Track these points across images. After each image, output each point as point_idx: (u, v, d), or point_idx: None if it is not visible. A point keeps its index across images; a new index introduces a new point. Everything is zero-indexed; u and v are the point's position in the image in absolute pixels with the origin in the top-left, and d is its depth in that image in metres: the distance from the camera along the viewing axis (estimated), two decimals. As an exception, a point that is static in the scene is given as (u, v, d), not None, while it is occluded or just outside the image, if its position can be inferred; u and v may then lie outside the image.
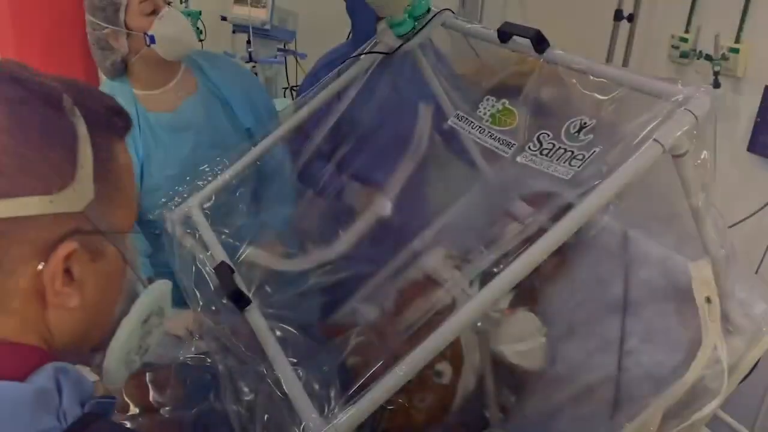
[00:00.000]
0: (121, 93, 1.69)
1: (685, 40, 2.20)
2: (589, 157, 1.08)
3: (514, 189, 1.55)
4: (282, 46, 3.96)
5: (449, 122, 1.37)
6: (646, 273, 1.38)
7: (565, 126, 1.14)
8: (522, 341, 1.41)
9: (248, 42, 3.80)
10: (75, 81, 0.64)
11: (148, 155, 1.70)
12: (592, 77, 1.17)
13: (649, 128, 1.01)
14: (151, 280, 0.75)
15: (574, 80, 1.18)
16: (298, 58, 3.99)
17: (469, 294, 1.35)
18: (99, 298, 0.64)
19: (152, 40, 1.61)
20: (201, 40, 3.95)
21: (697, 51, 2.14)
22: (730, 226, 2.07)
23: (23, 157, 0.55)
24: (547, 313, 1.49)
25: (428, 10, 1.52)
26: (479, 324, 1.47)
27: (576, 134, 1.12)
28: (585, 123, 1.12)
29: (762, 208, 2.03)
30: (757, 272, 2.01)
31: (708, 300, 1.10)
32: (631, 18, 2.30)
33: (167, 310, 0.75)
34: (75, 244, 0.59)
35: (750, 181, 2.11)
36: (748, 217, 2.05)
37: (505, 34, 1.32)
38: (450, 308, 1.36)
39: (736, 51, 2.04)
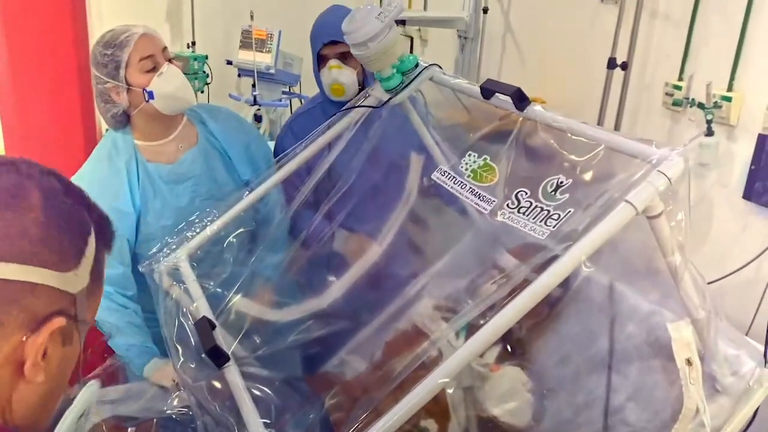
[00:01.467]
0: (123, 143, 1.73)
1: (678, 87, 2.21)
2: (564, 217, 1.08)
3: (501, 241, 1.55)
4: (287, 89, 4.03)
5: (432, 177, 1.39)
6: (632, 328, 1.36)
7: (543, 184, 1.15)
8: (509, 397, 1.39)
9: (253, 85, 3.87)
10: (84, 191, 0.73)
11: (146, 204, 1.72)
12: (570, 135, 1.18)
13: (622, 189, 1.01)
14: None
15: (552, 139, 1.20)
16: (302, 101, 4.05)
17: (455, 346, 1.35)
18: (57, 381, 0.68)
19: (151, 96, 1.65)
20: (207, 83, 4.04)
21: (690, 99, 2.15)
22: (727, 275, 2.05)
23: (48, 234, 0.64)
24: (535, 368, 1.48)
25: (416, 65, 1.55)
26: (466, 379, 1.46)
27: (553, 193, 1.13)
28: (562, 182, 1.13)
29: (759, 255, 2.01)
30: (753, 320, 1.98)
31: (689, 362, 1.08)
32: (624, 66, 2.32)
33: (92, 410, 0.78)
34: (64, 320, 0.65)
35: (746, 228, 2.09)
36: (745, 266, 2.03)
37: (487, 90, 1.34)
38: (436, 361, 1.36)
39: (728, 99, 2.04)
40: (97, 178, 1.69)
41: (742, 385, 1.24)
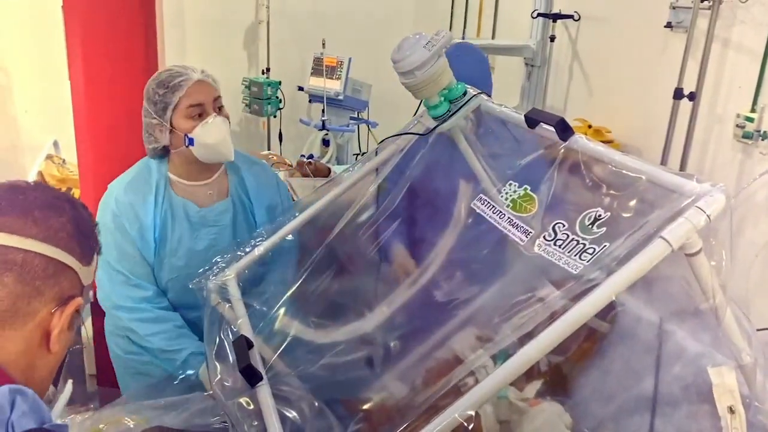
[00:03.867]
0: (157, 172, 1.75)
1: (750, 119, 2.11)
2: (599, 251, 1.05)
3: (546, 272, 1.51)
4: (354, 115, 4.10)
5: (472, 205, 1.38)
6: (679, 370, 1.30)
7: (581, 217, 1.12)
8: (544, 431, 1.35)
9: (323, 111, 3.96)
10: None
11: (163, 235, 1.73)
12: (612, 167, 1.15)
13: (659, 225, 0.98)
14: None
15: (594, 170, 1.17)
16: (370, 127, 4.12)
17: (489, 371, 1.33)
18: (59, 359, 0.83)
19: (191, 142, 1.66)
20: (280, 108, 4.17)
21: (762, 131, 2.05)
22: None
23: (78, 232, 0.84)
24: (576, 405, 1.43)
25: (464, 93, 1.55)
26: (503, 413, 1.43)
27: (590, 226, 1.10)
28: (600, 215, 1.10)
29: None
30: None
31: (731, 410, 1.02)
32: (692, 97, 2.24)
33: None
34: (81, 300, 0.83)
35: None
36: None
37: (532, 120, 1.33)
38: (471, 387, 1.34)
39: (804, 133, 1.94)
40: (128, 201, 1.71)
41: (798, 437, 1.16)
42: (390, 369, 1.68)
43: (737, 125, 2.17)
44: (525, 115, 1.34)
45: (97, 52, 1.91)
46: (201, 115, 1.66)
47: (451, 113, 1.55)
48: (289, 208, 1.91)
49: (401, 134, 1.61)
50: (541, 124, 1.32)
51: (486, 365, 1.38)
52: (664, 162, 2.38)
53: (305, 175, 3.50)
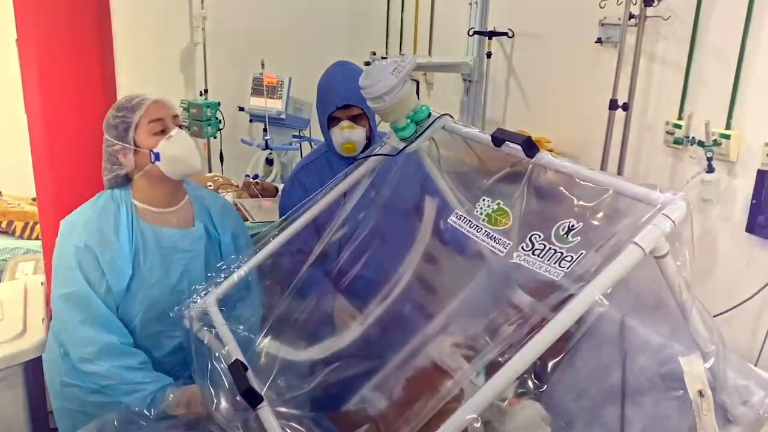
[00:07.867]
0: (124, 198, 1.74)
1: (678, 126, 2.30)
2: (576, 259, 1.15)
3: (514, 279, 1.61)
4: (297, 133, 4.15)
5: (449, 221, 1.46)
6: (644, 361, 1.42)
7: (555, 228, 1.22)
8: (527, 430, 1.44)
9: (264, 130, 3.98)
10: None
11: (135, 265, 1.70)
12: (579, 180, 1.26)
13: (630, 232, 1.09)
14: None
15: (562, 184, 1.27)
16: (312, 144, 4.17)
17: (477, 385, 1.41)
18: None
19: (157, 157, 1.68)
20: (220, 129, 4.16)
21: (690, 137, 2.24)
22: (734, 307, 2.11)
23: None
24: (551, 401, 1.53)
25: (429, 115, 1.64)
26: (486, 414, 1.51)
27: (565, 236, 1.20)
28: (573, 226, 1.20)
29: (763, 287, 2.07)
30: (761, 351, 2.03)
31: (701, 394, 1.14)
32: (626, 107, 2.42)
33: None
34: None
35: (751, 261, 2.15)
36: (750, 297, 2.09)
37: (498, 139, 1.43)
38: (458, 399, 1.42)
39: (727, 137, 2.13)
40: (98, 228, 1.68)
41: (753, 414, 1.30)
42: (369, 381, 1.74)
43: (667, 132, 2.35)
44: (491, 135, 1.44)
45: (54, 80, 1.89)
46: (163, 131, 1.71)
47: (417, 134, 1.63)
48: (245, 232, 1.96)
49: (371, 156, 1.68)
50: (507, 143, 1.42)
51: (471, 377, 1.46)
52: (603, 168, 2.55)
53: (253, 196, 3.51)
